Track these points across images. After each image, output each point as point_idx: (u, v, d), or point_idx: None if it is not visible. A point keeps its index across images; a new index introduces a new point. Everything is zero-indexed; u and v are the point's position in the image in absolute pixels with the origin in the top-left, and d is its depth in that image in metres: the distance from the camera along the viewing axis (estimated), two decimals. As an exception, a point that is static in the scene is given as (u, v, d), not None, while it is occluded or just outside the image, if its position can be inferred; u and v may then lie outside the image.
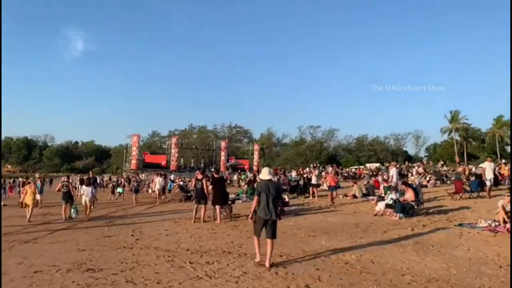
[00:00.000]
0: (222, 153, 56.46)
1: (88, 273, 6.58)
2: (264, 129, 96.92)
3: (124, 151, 55.78)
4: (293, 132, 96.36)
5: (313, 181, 19.27)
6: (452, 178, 26.73)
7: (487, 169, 15.67)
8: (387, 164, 36.20)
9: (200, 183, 12.64)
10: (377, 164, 48.91)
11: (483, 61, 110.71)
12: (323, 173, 28.92)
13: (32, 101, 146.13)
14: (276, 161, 72.93)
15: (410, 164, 46.85)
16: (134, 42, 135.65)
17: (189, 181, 28.87)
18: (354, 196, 18.12)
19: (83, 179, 17.59)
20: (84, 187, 15.21)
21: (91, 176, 19.21)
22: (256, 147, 60.90)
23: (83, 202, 14.44)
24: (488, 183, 15.53)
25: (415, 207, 12.07)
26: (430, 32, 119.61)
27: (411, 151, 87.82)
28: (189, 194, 20.07)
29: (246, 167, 55.49)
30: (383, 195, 14.92)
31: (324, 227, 10.81)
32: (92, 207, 15.40)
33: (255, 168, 54.62)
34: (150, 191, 25.26)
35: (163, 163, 49.95)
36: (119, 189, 25.22)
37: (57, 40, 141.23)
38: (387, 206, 12.40)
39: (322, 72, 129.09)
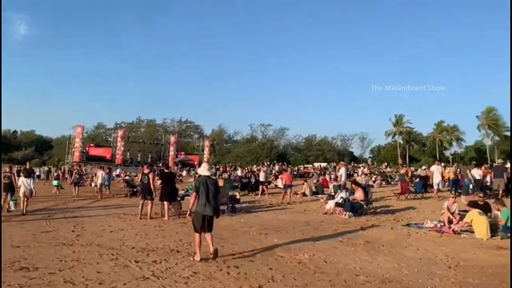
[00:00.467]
0: (171, 148, 55.22)
1: (22, 272, 5.96)
2: (215, 125, 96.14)
3: (67, 142, 53.08)
4: (244, 130, 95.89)
5: (261, 178, 19.13)
6: (396, 179, 27.93)
7: (435, 172, 16.13)
8: (334, 164, 37.01)
9: (146, 177, 12.10)
10: (324, 164, 49.97)
11: (423, 67, 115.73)
12: (273, 171, 28.95)
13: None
14: (227, 157, 72.51)
15: (355, 164, 48.30)
16: (80, 28, 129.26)
17: (135, 176, 27.90)
18: (304, 194, 18.22)
19: (20, 170, 16.55)
20: (22, 178, 14.12)
21: (27, 167, 17.89)
22: (206, 143, 60.25)
23: (20, 194, 13.48)
24: (435, 186, 15.96)
25: (364, 206, 12.26)
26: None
27: (357, 152, 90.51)
28: (135, 189, 19.31)
29: (195, 163, 54.66)
30: (332, 193, 15.08)
31: (276, 225, 10.68)
32: (28, 200, 14.30)
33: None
34: (93, 185, 24.00)
35: (108, 156, 48.00)
36: (55, 182, 23.73)
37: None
38: (337, 204, 12.52)
39: (275, 71, 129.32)
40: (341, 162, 26.39)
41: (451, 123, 68.62)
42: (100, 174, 21.17)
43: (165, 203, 12.05)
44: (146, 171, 12.33)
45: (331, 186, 16.44)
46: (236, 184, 18.92)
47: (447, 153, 74.22)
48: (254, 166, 48.97)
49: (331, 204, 12.74)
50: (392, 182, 26.25)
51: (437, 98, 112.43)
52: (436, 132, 67.61)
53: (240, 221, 11.54)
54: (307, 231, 9.83)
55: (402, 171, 34.32)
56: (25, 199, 13.37)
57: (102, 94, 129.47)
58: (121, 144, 48.53)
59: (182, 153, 59.22)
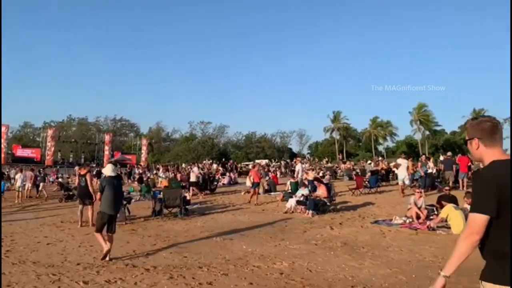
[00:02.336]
0: (106, 148, 52.57)
1: None
2: (152, 123, 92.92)
3: (-11, 143, 48.46)
4: (183, 127, 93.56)
5: (192, 179, 18.00)
6: (339, 174, 28.17)
7: (401, 167, 14.94)
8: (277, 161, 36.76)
9: (84, 179, 10.67)
10: (266, 160, 49.78)
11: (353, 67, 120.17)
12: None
13: None
14: (166, 156, 70.21)
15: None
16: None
17: (68, 178, 25.66)
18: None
19: None
20: None
21: None
22: (144, 141, 58.09)
23: None
24: (400, 182, 14.95)
25: (328, 203, 11.70)
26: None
27: (295, 148, 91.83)
28: (70, 193, 17.46)
29: (132, 162, 52.34)
30: (289, 191, 14.45)
31: (238, 228, 9.76)
32: None
33: (143, 163, 51.86)
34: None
35: (37, 157, 44.46)
36: None
37: None
38: (299, 203, 11.84)
39: (214, 67, 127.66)
40: (297, 158, 25.95)
41: (385, 119, 71.73)
42: (19, 176, 19.15)
43: None
44: (83, 172, 10.87)
45: (288, 183, 15.72)
46: (184, 184, 17.71)
47: (380, 147, 77.68)
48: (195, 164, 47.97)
49: (291, 202, 12.03)
50: (339, 177, 26.40)
51: (371, 95, 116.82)
52: (372, 127, 70.12)
53: (196, 225, 10.51)
54: (275, 233, 9.03)
55: (343, 166, 35.07)
56: None
57: (28, 90, 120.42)
58: (51, 144, 45.20)
59: (119, 152, 56.39)
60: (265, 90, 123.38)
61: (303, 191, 12.22)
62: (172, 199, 11.26)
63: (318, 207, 11.46)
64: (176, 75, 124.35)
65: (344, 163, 41.90)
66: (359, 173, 23.23)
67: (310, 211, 11.25)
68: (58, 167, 41.18)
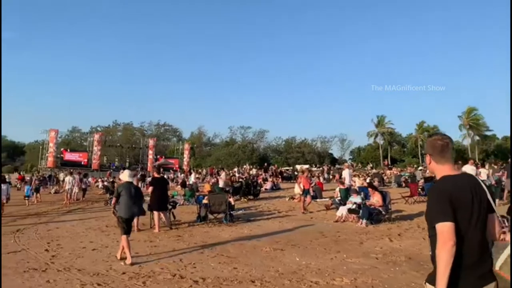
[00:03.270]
0: (150, 152, 53.32)
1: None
2: (193, 128, 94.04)
3: (40, 147, 50.33)
4: (224, 132, 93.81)
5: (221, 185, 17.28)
6: (388, 181, 26.98)
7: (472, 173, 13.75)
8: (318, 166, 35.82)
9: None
10: (307, 166, 48.85)
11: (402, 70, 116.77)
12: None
13: None
14: (207, 161, 70.66)
15: (338, 166, 47.36)
16: (52, 30, 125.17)
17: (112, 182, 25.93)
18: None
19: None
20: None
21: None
22: (186, 146, 58.53)
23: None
24: None
25: (383, 212, 10.89)
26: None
27: (336, 153, 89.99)
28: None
29: (175, 167, 52.95)
30: (339, 198, 13.71)
31: (288, 237, 9.19)
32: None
33: (185, 168, 52.30)
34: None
35: (84, 161, 45.75)
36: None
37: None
38: (350, 211, 11.10)
39: (254, 73, 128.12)
40: (345, 164, 24.93)
41: (431, 124, 68.80)
42: (68, 179, 19.60)
43: (155, 213, 10.41)
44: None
45: (337, 189, 14.92)
46: (227, 189, 17.33)
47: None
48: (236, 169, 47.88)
49: (342, 210, 11.30)
50: (387, 184, 25.29)
51: (417, 99, 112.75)
52: (418, 132, 67.46)
53: (243, 232, 10.02)
54: (328, 244, 8.38)
55: (390, 172, 33.67)
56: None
57: (76, 97, 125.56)
58: (97, 148, 46.39)
59: (162, 156, 57.22)
60: (305, 95, 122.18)
61: (355, 199, 11.45)
62: (217, 204, 10.86)
63: (372, 216, 10.68)
64: (217, 80, 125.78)
65: (390, 169, 40.52)
66: (409, 180, 22.09)
67: (364, 221, 10.49)
68: (111, 170, 42.15)
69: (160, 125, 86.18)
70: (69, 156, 46.72)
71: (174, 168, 51.84)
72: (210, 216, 11.46)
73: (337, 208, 12.12)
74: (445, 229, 2.12)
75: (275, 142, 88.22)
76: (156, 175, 11.13)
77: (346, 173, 15.61)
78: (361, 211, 10.72)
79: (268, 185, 23.16)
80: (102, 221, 12.37)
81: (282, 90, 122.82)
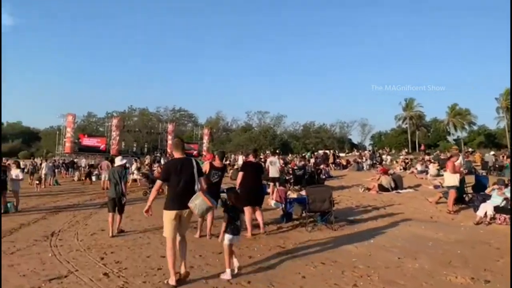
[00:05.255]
0: (169, 137, 50.82)
1: None
2: (209, 114, 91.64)
3: (57, 133, 48.09)
4: (241, 117, 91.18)
5: (272, 173, 13.32)
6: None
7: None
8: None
9: (218, 174, 7.66)
10: (327, 151, 45.59)
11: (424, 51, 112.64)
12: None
13: None
14: (227, 146, 68.06)
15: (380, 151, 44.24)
16: (65, 15, 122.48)
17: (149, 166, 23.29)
18: (380, 190, 14.00)
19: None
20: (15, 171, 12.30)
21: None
22: (206, 131, 55.95)
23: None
24: None
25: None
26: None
27: (356, 139, 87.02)
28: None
29: (195, 152, 50.51)
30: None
31: (437, 250, 6.40)
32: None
33: (205, 153, 49.81)
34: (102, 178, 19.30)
35: (103, 146, 43.32)
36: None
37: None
38: (498, 210, 8.23)
39: (271, 57, 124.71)
40: (454, 147, 21.41)
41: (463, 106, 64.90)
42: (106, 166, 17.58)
43: (246, 210, 7.57)
44: (218, 164, 7.77)
45: (447, 175, 11.44)
46: (288, 178, 14.58)
47: (450, 138, 70.88)
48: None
49: (487, 208, 8.37)
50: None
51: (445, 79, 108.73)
52: (450, 116, 63.75)
53: (363, 243, 7.20)
54: (496, 265, 5.59)
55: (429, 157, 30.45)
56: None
57: (89, 82, 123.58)
58: (116, 133, 43.90)
59: (181, 142, 54.71)
60: (323, 78, 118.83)
61: (499, 194, 8.54)
62: (319, 201, 8.05)
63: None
64: (232, 65, 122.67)
65: (428, 154, 37.42)
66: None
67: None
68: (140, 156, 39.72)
69: (176, 110, 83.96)
70: (87, 141, 44.28)
71: (194, 154, 49.57)
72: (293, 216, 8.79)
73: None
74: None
75: (292, 127, 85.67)
76: (251, 158, 8.23)
77: (460, 160, 12.55)
78: (514, 209, 7.85)
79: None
80: (154, 219, 9.60)
81: (300, 72, 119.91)
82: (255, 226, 7.82)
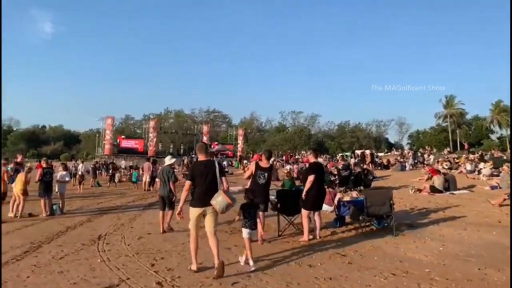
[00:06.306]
0: (205, 138, 51.28)
1: None
2: (242, 115, 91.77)
3: (96, 135, 49.31)
4: (275, 118, 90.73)
5: None
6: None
7: None
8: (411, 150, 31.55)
9: (264, 176, 7.15)
10: (367, 151, 44.31)
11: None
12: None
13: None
14: (262, 146, 67.70)
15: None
16: (104, 22, 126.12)
17: (186, 167, 23.13)
18: (431, 191, 13.18)
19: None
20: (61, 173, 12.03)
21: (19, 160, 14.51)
22: (240, 131, 56.10)
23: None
24: None
25: None
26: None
27: (393, 138, 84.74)
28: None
29: (230, 153, 50.61)
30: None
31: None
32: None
33: (240, 153, 49.72)
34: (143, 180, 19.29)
35: (140, 148, 44.00)
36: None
37: (23, 21, 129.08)
38: None
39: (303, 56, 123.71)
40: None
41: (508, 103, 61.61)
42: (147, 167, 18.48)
43: (304, 214, 7.29)
44: (265, 164, 7.24)
45: (504, 176, 10.88)
46: (332, 179, 13.96)
47: (493, 136, 67.61)
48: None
49: None
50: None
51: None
52: (495, 113, 60.75)
53: (431, 251, 6.55)
54: None
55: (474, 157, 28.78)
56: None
57: (127, 87, 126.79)
58: (153, 135, 44.54)
59: (215, 143, 55.10)
60: (355, 78, 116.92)
61: None
62: (378, 204, 7.46)
63: None
64: (265, 66, 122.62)
65: (473, 153, 35.65)
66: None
67: None
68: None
69: (210, 111, 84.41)
70: (125, 143, 45.22)
71: (229, 154, 49.64)
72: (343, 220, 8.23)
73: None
74: None
75: (327, 126, 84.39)
76: (313, 158, 7.75)
77: None
78: None
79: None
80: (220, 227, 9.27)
81: (336, 75, 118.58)
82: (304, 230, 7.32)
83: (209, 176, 5.43)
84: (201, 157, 5.79)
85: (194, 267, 5.42)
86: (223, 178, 5.59)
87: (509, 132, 63.64)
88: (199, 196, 5.44)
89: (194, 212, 5.42)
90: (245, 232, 5.62)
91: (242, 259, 5.66)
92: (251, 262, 5.47)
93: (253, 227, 5.67)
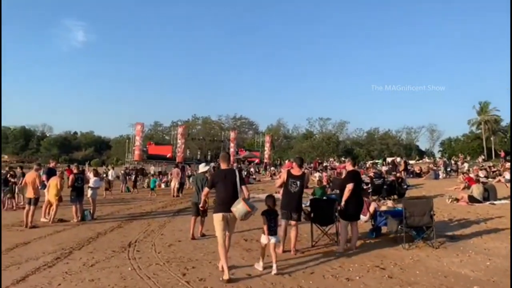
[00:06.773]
0: (231, 145, 51.16)
1: None
2: (269, 121, 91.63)
3: (126, 141, 50.13)
4: (302, 124, 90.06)
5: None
6: None
7: None
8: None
9: (297, 183, 6.90)
10: (398, 158, 43.12)
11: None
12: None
13: (30, 91, 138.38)
14: (289, 153, 67.23)
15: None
16: (133, 31, 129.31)
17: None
18: (470, 201, 12.58)
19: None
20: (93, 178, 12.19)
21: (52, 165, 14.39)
22: (267, 138, 55.62)
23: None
24: None
25: None
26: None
27: (424, 145, 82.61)
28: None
29: (257, 160, 50.37)
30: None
31: None
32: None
33: (266, 160, 49.41)
34: (172, 185, 19.30)
35: (169, 154, 44.38)
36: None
37: (56, 30, 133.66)
38: None
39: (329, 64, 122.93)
40: None
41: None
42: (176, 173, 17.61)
43: (342, 224, 7.09)
44: (297, 172, 6.91)
45: None
46: (365, 187, 13.54)
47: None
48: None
49: None
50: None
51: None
52: (534, 118, 58.13)
53: (478, 266, 6.14)
54: None
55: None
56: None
57: (155, 94, 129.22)
58: (181, 141, 44.70)
59: (242, 149, 55.04)
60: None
61: None
62: (419, 214, 7.07)
63: None
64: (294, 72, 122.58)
65: (509, 161, 34.19)
66: None
67: None
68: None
69: (237, 118, 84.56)
70: (154, 149, 45.68)
71: (256, 161, 49.43)
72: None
73: None
74: None
75: (355, 133, 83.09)
76: (351, 166, 7.49)
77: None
78: None
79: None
80: (241, 234, 9.02)
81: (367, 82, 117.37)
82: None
83: (229, 184, 5.71)
84: (223, 166, 6.08)
85: (226, 276, 5.34)
86: (243, 187, 5.80)
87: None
88: (220, 202, 5.69)
89: (217, 217, 5.64)
90: (264, 238, 5.75)
91: (259, 265, 5.80)
92: (274, 266, 5.59)
93: (273, 233, 5.76)
